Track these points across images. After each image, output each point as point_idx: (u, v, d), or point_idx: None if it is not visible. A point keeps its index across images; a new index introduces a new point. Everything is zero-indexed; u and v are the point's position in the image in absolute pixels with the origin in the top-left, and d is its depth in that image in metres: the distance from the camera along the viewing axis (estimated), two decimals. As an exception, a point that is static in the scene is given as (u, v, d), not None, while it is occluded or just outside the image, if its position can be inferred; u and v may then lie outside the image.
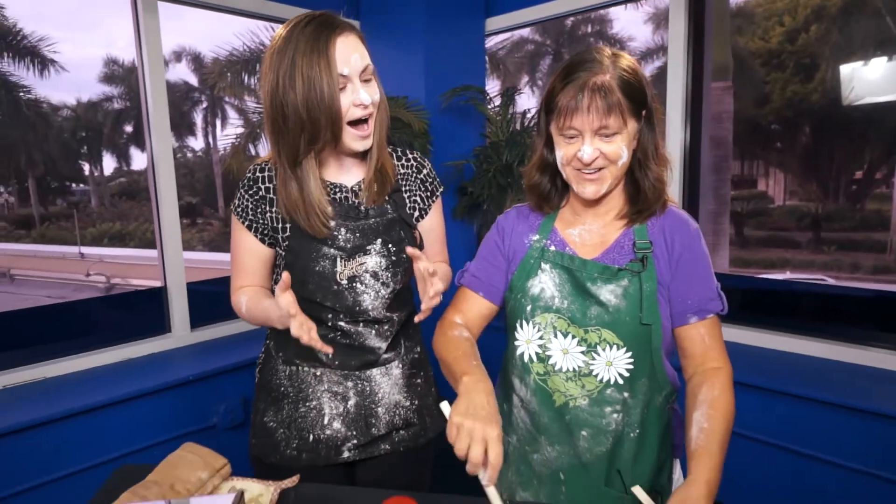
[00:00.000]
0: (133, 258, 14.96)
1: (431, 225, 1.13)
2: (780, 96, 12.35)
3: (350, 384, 1.06)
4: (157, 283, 2.09)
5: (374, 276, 1.02)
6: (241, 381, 1.92)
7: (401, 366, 1.10)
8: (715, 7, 2.09)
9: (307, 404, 1.06)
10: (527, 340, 0.95)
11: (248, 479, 0.90)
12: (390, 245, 1.03)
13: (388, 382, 1.08)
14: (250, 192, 1.02)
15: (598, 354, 0.90)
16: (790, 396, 1.63)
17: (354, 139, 0.97)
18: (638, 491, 0.84)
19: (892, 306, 1.93)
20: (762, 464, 1.71)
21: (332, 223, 1.00)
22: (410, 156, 1.12)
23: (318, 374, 1.06)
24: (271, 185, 1.02)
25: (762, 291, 2.32)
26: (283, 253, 1.02)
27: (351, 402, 1.06)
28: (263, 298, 1.00)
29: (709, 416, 0.82)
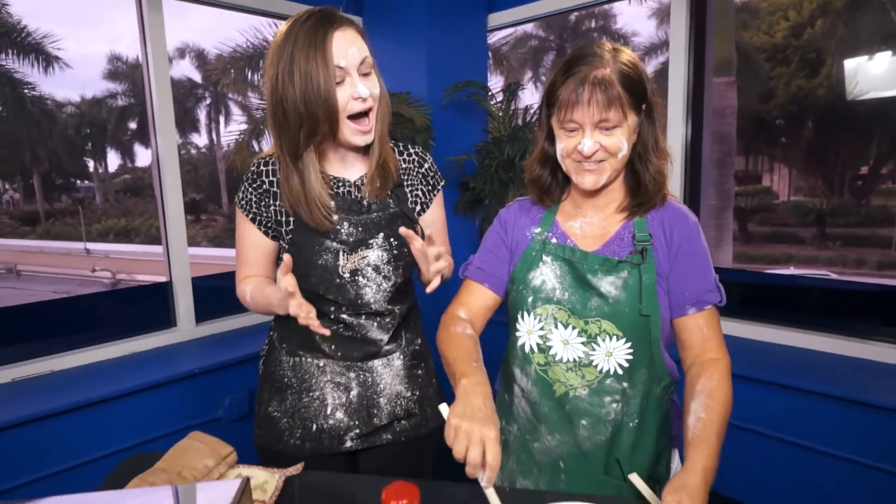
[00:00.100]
0: (138, 254, 15.03)
1: (433, 218, 1.15)
2: (784, 91, 12.28)
3: (352, 375, 1.08)
4: (163, 279, 2.12)
5: (376, 269, 1.04)
6: (245, 374, 1.95)
7: (402, 357, 1.12)
8: (718, 2, 2.09)
9: (310, 394, 1.08)
10: (528, 331, 0.96)
11: (254, 467, 0.92)
12: (392, 239, 1.04)
13: (389, 373, 1.10)
14: (254, 185, 1.04)
15: (598, 345, 0.91)
16: (793, 390, 1.64)
17: (354, 133, 0.98)
18: (635, 478, 0.85)
19: (895, 301, 1.93)
20: (765, 457, 1.72)
21: (336, 217, 1.01)
22: (412, 150, 1.14)
23: (322, 364, 1.08)
24: (275, 179, 1.03)
25: (765, 286, 2.32)
26: (287, 246, 1.04)
27: (353, 393, 1.08)
28: (266, 286, 1.02)
29: (706, 406, 0.83)
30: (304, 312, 0.85)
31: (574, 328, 0.92)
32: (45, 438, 1.55)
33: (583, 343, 0.92)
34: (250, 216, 1.05)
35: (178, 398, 1.81)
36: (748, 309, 2.05)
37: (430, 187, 1.14)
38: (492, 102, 2.49)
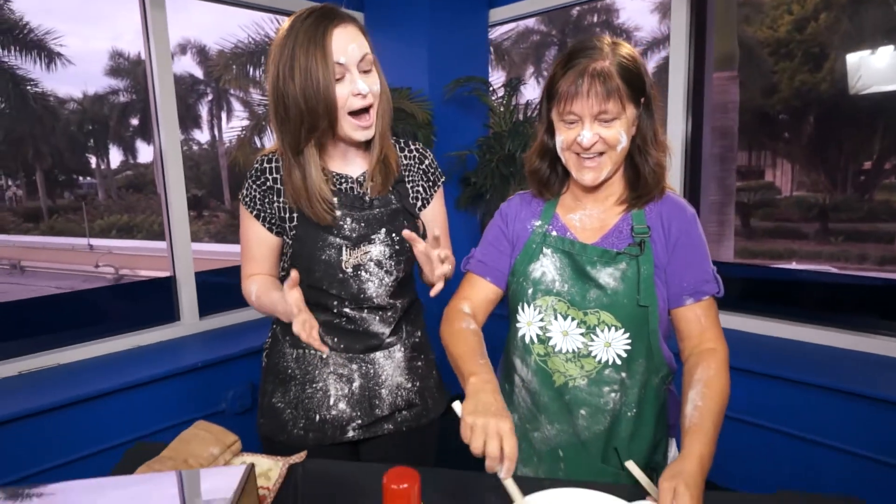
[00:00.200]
0: (141, 249, 15.08)
1: (434, 214, 1.16)
2: (788, 86, 12.21)
3: (354, 367, 1.09)
4: (165, 274, 2.13)
5: (379, 264, 1.05)
6: (248, 367, 1.97)
7: (403, 349, 1.13)
8: (720, -4, 2.09)
9: (314, 386, 1.10)
10: (528, 322, 0.97)
11: (258, 455, 0.94)
12: (394, 234, 1.06)
13: (390, 365, 1.11)
14: (258, 182, 1.05)
15: (597, 336, 0.93)
16: (794, 383, 1.65)
17: (355, 129, 0.99)
18: (631, 466, 0.86)
19: (895, 294, 1.94)
20: (767, 449, 1.74)
21: (338, 213, 1.03)
22: (413, 147, 1.15)
23: (324, 356, 1.10)
24: (278, 177, 1.05)
25: (765, 280, 2.33)
26: (291, 242, 1.05)
27: (355, 384, 1.09)
28: (272, 290, 1.03)
29: (703, 395, 0.84)
30: (307, 332, 0.87)
31: (573, 319, 0.94)
32: (51, 430, 1.57)
33: (582, 334, 0.93)
34: (254, 213, 1.06)
35: (182, 391, 1.83)
36: (749, 303, 2.06)
37: (430, 183, 1.15)
38: (493, 98, 2.50)
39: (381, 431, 1.12)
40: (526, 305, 0.98)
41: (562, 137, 0.92)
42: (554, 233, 0.99)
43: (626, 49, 0.89)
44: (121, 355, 1.91)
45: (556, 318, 0.95)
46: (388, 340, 1.11)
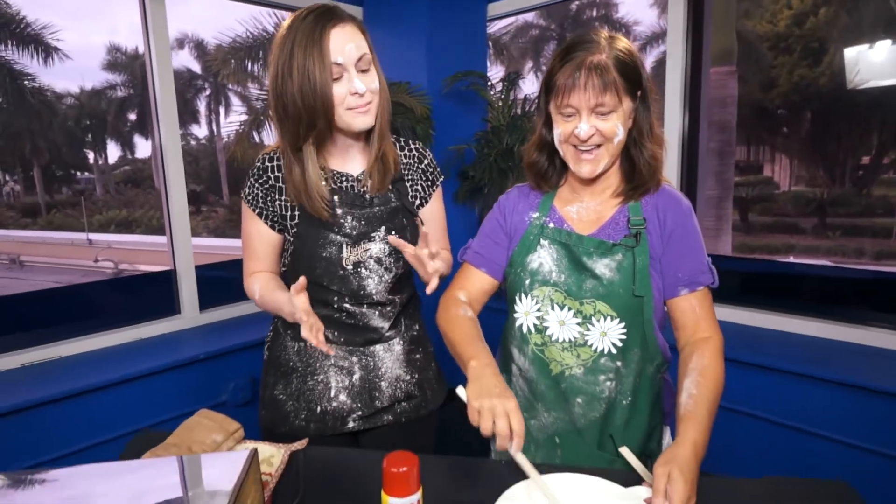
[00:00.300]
0: (140, 244, 15.08)
1: (432, 213, 1.18)
2: (787, 81, 12.20)
3: (355, 359, 1.11)
4: (165, 268, 2.15)
5: (378, 261, 1.07)
6: (248, 360, 1.98)
7: (402, 342, 1.15)
8: (718, -9, 2.10)
9: (315, 378, 1.11)
10: (525, 312, 0.99)
11: (260, 443, 0.95)
12: (394, 232, 1.07)
13: (390, 358, 1.13)
14: (260, 180, 1.06)
15: (593, 325, 0.94)
16: (790, 374, 1.67)
17: (353, 116, 1.00)
18: (625, 451, 0.88)
19: (890, 288, 1.96)
20: (764, 440, 1.75)
21: (339, 211, 1.05)
22: (413, 146, 1.17)
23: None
24: (280, 175, 1.06)
25: (762, 274, 2.35)
26: (292, 239, 1.07)
27: (356, 376, 1.11)
28: (276, 289, 1.05)
29: (697, 383, 0.86)
30: (315, 337, 0.89)
31: (570, 309, 0.95)
32: (54, 421, 1.59)
33: (578, 323, 0.95)
34: (257, 211, 1.07)
35: (182, 383, 1.85)
36: (745, 296, 2.08)
37: (429, 182, 1.17)
38: (491, 92, 2.50)
39: (380, 422, 1.14)
40: (523, 296, 0.99)
41: (559, 130, 0.93)
42: (551, 224, 1.01)
43: (622, 43, 0.91)
44: (122, 348, 1.92)
45: (552, 308, 0.96)
46: (387, 334, 1.13)
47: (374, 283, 1.08)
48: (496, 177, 2.30)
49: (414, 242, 1.04)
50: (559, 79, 0.89)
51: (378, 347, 1.12)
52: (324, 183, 1.05)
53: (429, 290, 0.95)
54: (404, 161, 1.14)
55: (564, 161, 0.97)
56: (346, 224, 1.05)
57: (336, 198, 1.05)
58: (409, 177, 1.14)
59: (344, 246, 1.04)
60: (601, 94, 0.87)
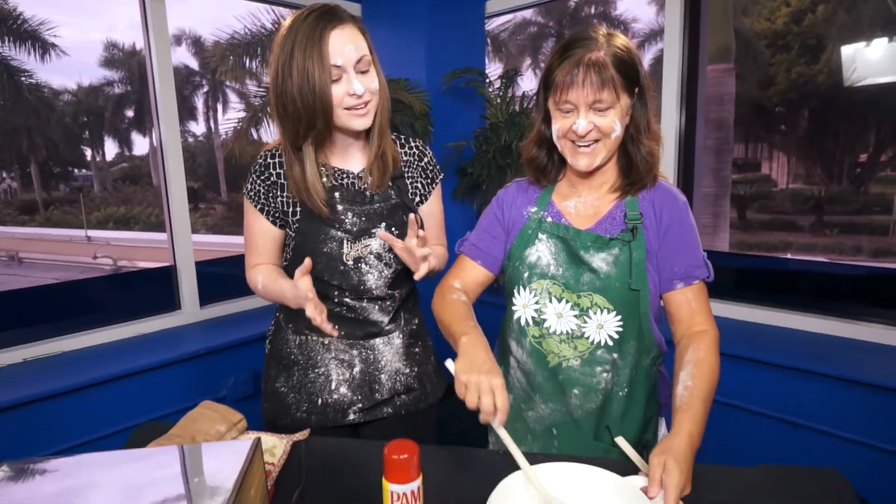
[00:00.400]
0: (139, 241, 15.07)
1: (431, 210, 1.20)
2: (785, 78, 12.21)
3: (355, 352, 1.13)
4: (164, 265, 2.16)
5: (378, 257, 1.09)
6: (249, 354, 1.99)
7: (401, 336, 1.17)
8: (716, -11, 2.11)
9: (316, 371, 1.13)
10: (523, 305, 1.01)
11: (263, 433, 0.97)
12: (393, 228, 1.09)
13: (389, 351, 1.15)
14: (262, 177, 1.08)
15: (590, 318, 0.96)
16: (788, 369, 1.68)
17: (350, 118, 1.02)
18: (621, 441, 0.90)
19: (885, 283, 1.98)
20: (763, 435, 1.77)
21: (340, 207, 1.06)
22: (413, 144, 1.18)
23: (326, 343, 1.13)
24: (282, 171, 1.08)
25: (760, 270, 2.37)
26: (293, 234, 1.08)
27: (356, 369, 1.13)
28: (279, 278, 1.07)
29: (693, 375, 0.87)
30: (319, 316, 0.92)
31: (567, 302, 0.97)
32: (56, 415, 1.60)
33: (575, 316, 0.97)
34: (258, 206, 1.09)
35: (183, 377, 1.86)
36: (744, 292, 2.10)
37: (428, 180, 1.18)
38: (489, 89, 2.51)
39: (380, 415, 1.15)
40: (522, 289, 1.01)
41: (557, 125, 0.95)
42: (549, 219, 1.02)
43: (620, 40, 0.92)
44: (123, 343, 1.93)
45: (550, 301, 0.98)
46: (387, 328, 1.14)
47: (374, 278, 1.09)
48: (494, 173, 2.31)
49: None
50: (558, 75, 0.91)
51: (378, 341, 1.14)
52: (325, 180, 1.06)
53: (417, 276, 0.97)
54: (405, 158, 1.15)
55: (563, 156, 0.98)
56: (346, 220, 1.06)
57: (337, 194, 1.07)
58: (409, 174, 1.15)
59: (345, 242, 1.06)
60: (599, 90, 0.88)
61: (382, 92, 1.05)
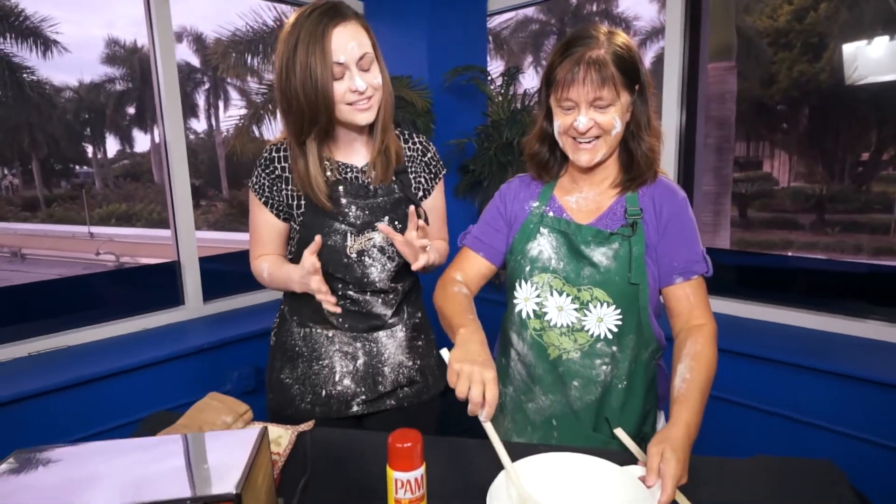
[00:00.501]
0: (141, 237, 15.11)
1: (434, 204, 1.21)
2: (787, 76, 12.19)
3: (359, 345, 1.14)
4: (167, 261, 2.17)
5: (381, 250, 1.10)
6: (252, 349, 2.01)
7: (404, 329, 1.18)
8: (718, -13, 2.12)
9: (320, 363, 1.15)
10: (525, 298, 1.02)
11: (268, 424, 0.98)
12: (396, 222, 1.10)
13: (393, 344, 1.17)
14: (267, 171, 1.10)
15: (590, 311, 0.97)
16: (788, 366, 1.69)
17: (352, 113, 1.03)
18: (619, 432, 0.92)
19: (886, 281, 1.99)
20: (762, 430, 1.78)
21: (344, 201, 1.08)
22: (416, 139, 1.19)
23: (330, 335, 1.15)
24: (286, 165, 1.09)
25: (760, 267, 2.38)
26: (298, 227, 1.10)
27: (360, 362, 1.14)
28: (284, 264, 1.10)
29: (691, 368, 0.89)
30: (325, 290, 0.95)
31: (568, 295, 0.98)
32: (61, 409, 1.62)
33: (576, 309, 0.98)
34: (263, 200, 1.11)
35: (187, 372, 1.88)
36: (744, 289, 2.11)
37: (432, 175, 1.20)
38: (491, 87, 2.52)
39: (383, 406, 1.17)
40: (523, 282, 1.02)
41: (559, 122, 0.96)
42: (551, 213, 1.04)
43: (621, 38, 0.93)
44: (127, 338, 1.95)
45: (551, 295, 1.00)
46: (390, 321, 1.16)
47: (378, 271, 1.11)
48: (496, 170, 2.32)
49: None
50: (559, 73, 0.92)
51: (381, 334, 1.15)
52: (329, 174, 1.08)
53: (415, 267, 0.99)
54: (408, 153, 1.17)
55: (564, 152, 1.00)
56: (350, 214, 1.08)
57: (341, 188, 1.08)
58: (413, 169, 1.17)
59: (348, 235, 1.08)
60: (599, 88, 0.90)
61: (386, 87, 1.07)
